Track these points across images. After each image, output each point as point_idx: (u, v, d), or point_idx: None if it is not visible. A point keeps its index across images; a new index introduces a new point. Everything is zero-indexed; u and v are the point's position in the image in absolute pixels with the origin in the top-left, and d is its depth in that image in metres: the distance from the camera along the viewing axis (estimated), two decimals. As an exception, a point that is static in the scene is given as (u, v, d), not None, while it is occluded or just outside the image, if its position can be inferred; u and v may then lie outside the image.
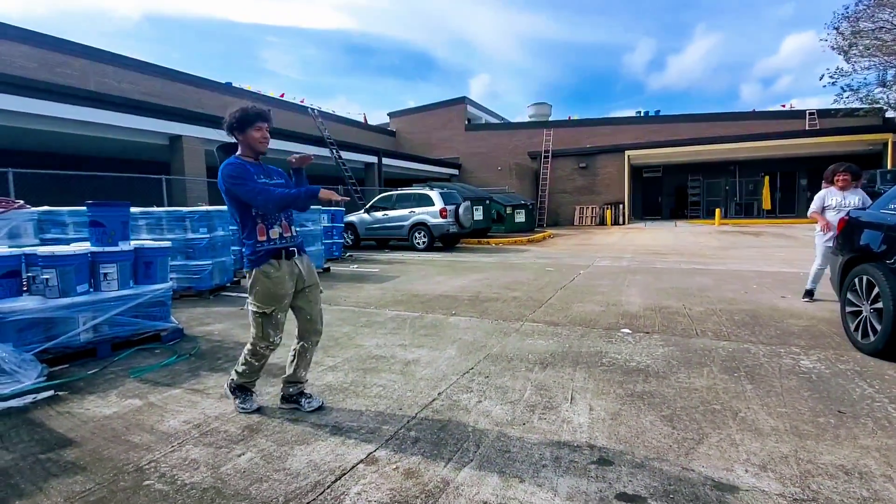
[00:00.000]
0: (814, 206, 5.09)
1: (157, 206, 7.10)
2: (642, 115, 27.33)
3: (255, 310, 2.48)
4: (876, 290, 3.34)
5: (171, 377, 3.22)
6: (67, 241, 5.23)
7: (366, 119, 28.66)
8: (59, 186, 9.55)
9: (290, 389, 2.66)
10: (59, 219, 5.88)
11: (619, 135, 23.97)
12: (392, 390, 2.88)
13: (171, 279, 5.37)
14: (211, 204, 9.74)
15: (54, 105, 10.21)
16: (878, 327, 3.28)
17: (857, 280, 3.61)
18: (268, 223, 2.45)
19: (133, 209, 5.86)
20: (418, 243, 11.84)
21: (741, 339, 3.83)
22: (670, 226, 19.72)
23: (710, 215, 21.97)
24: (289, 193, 2.38)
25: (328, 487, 1.89)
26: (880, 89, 18.37)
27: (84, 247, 3.92)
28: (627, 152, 22.00)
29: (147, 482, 1.96)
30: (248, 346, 2.56)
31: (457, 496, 1.82)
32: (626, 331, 4.13)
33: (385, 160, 20.42)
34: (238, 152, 2.51)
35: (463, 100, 28.35)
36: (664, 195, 26.10)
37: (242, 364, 2.59)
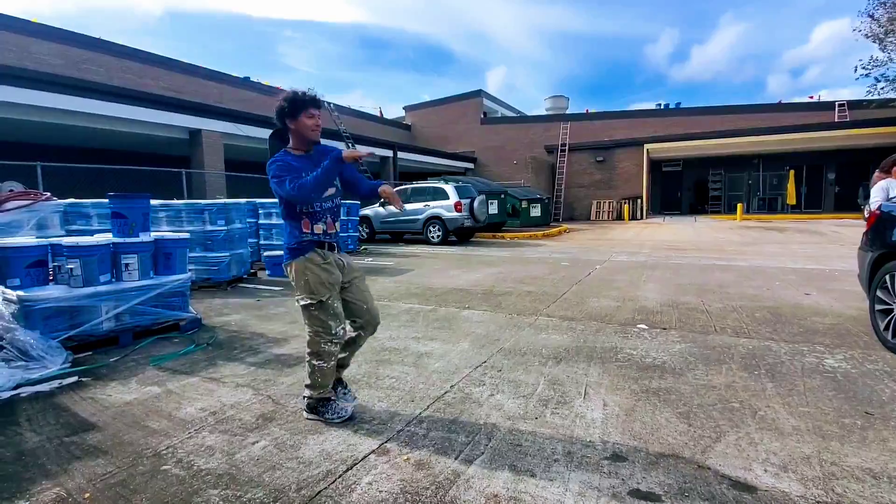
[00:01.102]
0: (877, 197, 4.32)
1: (178, 198, 7.23)
2: (662, 107, 26.76)
3: (307, 303, 2.27)
4: (907, 287, 3.21)
5: (190, 366, 3.28)
6: (91, 233, 5.37)
7: (381, 113, 28.70)
8: (86, 179, 9.79)
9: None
10: (83, 211, 6.03)
11: (637, 128, 23.52)
12: (404, 382, 2.89)
13: (190, 270, 5.47)
14: (229, 197, 9.89)
15: (80, 100, 10.45)
16: (909, 326, 3.16)
17: (888, 277, 3.47)
18: (313, 219, 2.31)
19: (153, 202, 5.98)
20: (433, 237, 11.84)
21: (762, 336, 3.73)
22: (690, 221, 19.33)
23: (732, 210, 21.45)
24: (317, 174, 2.18)
25: (339, 477, 1.90)
26: (919, 79, 17.62)
27: (107, 238, 4.01)
28: (646, 146, 21.58)
29: (165, 467, 2.00)
30: (309, 351, 2.32)
31: (467, 489, 1.81)
32: (643, 326, 4.06)
33: (400, 154, 20.43)
34: (290, 144, 2.36)
35: (479, 93, 28.16)
36: (684, 189, 25.56)
37: (311, 375, 2.35)
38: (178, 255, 4.34)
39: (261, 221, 8.15)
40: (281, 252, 7.61)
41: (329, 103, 20.00)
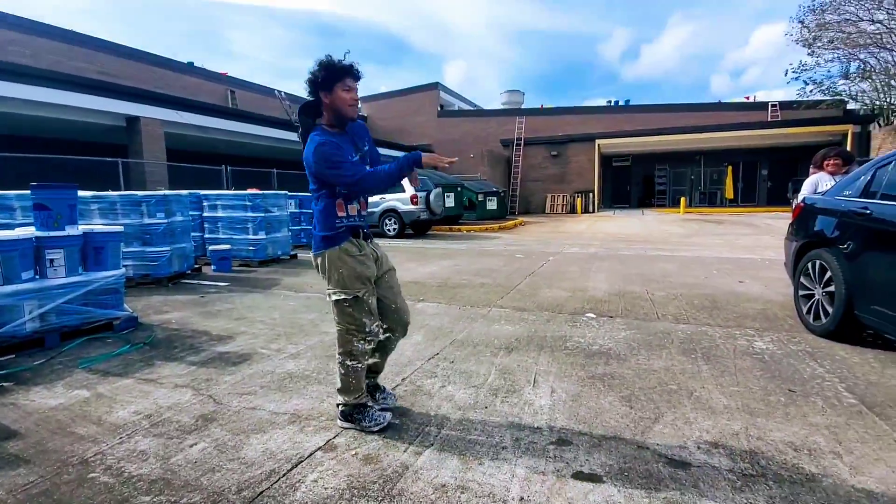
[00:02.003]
0: (806, 191, 4.69)
1: (115, 190, 6.75)
2: (613, 104, 27.71)
3: (341, 297, 2.07)
4: (828, 274, 3.47)
5: (124, 367, 3.08)
6: (16, 227, 4.93)
7: (337, 103, 28.02)
8: (12, 170, 8.98)
9: (366, 381, 2.33)
10: (6, 203, 5.52)
11: (590, 123, 24.25)
12: (355, 377, 2.84)
13: (127, 266, 5.14)
14: (172, 188, 9.37)
15: (5, 84, 9.56)
16: (830, 310, 3.42)
17: (810, 265, 3.75)
18: (348, 200, 2.10)
19: (85, 193, 5.58)
20: (388, 230, 11.73)
21: (699, 321, 3.94)
22: (638, 214, 20.17)
23: (676, 204, 22.57)
24: (389, 170, 2.02)
25: (283, 476, 1.84)
26: (843, 82, 19.06)
27: (29, 231, 3.69)
28: (598, 141, 22.29)
29: (92, 475, 1.87)
30: (341, 351, 2.14)
31: (416, 480, 1.80)
32: (591, 315, 4.19)
33: (356, 146, 20.06)
34: (322, 119, 2.11)
35: (436, 85, 28.07)
36: (633, 184, 26.65)
37: (343, 378, 2.16)
38: (111, 250, 4.05)
39: (205, 214, 7.77)
40: (228, 246, 7.24)
41: (280, 91, 19.32)
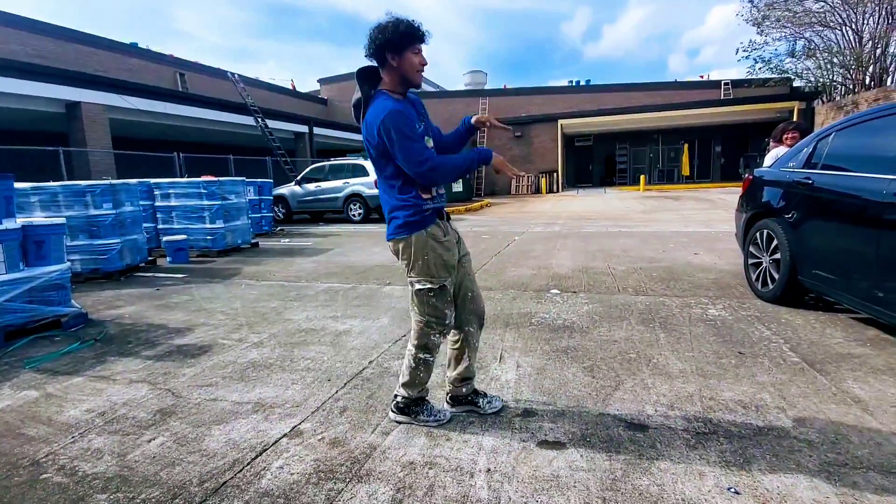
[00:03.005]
0: (767, 164, 4.71)
1: (58, 181, 6.33)
2: (575, 84, 27.96)
3: (425, 287, 1.90)
4: (774, 242, 3.65)
5: (74, 365, 2.93)
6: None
7: (294, 86, 27.10)
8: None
9: (463, 389, 2.13)
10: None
11: (552, 104, 24.43)
12: (321, 362, 2.80)
13: (73, 260, 4.88)
14: (120, 178, 8.88)
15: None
16: (776, 276, 3.62)
17: (758, 234, 3.93)
18: None
19: (23, 185, 5.21)
20: (354, 215, 11.55)
21: (657, 293, 4.09)
22: (600, 192, 20.62)
23: (636, 182, 23.17)
24: (459, 166, 1.87)
25: (248, 465, 1.80)
26: (790, 60, 19.87)
27: (-43, 226, 3.42)
28: (560, 121, 22.51)
29: (45, 475, 1.78)
30: (416, 343, 1.99)
31: (384, 460, 1.80)
32: (555, 291, 4.28)
33: (317, 130, 19.52)
34: (383, 85, 1.89)
35: (397, 67, 27.52)
36: (595, 163, 27.15)
37: (412, 371, 2.01)
38: (53, 244, 3.82)
39: (158, 204, 7.42)
40: (183, 236, 6.96)
41: (233, 73, 18.50)
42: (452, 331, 2.07)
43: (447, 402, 2.19)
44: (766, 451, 1.79)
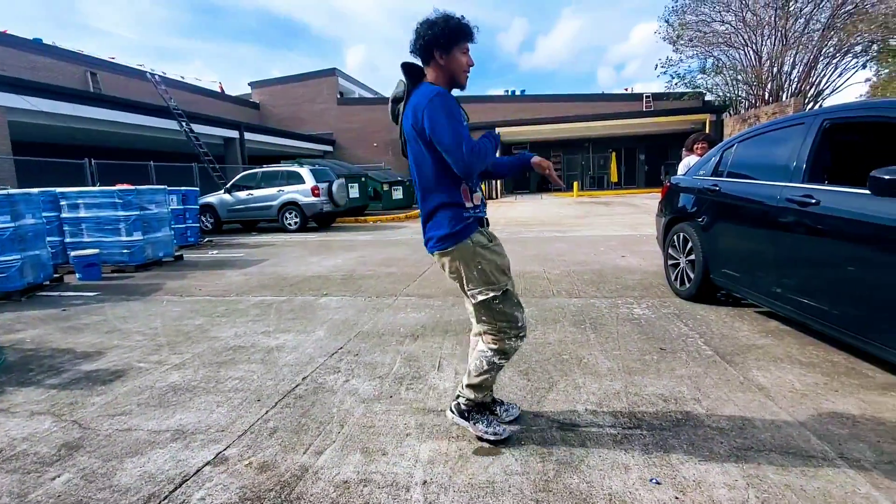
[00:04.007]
0: (680, 173, 5.16)
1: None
2: (510, 94, 28.85)
3: (490, 296, 1.81)
4: (690, 244, 3.95)
5: (-43, 401, 2.58)
6: None
7: (222, 88, 25.82)
8: None
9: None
10: None
11: (490, 112, 25.03)
12: (250, 382, 2.66)
13: (-41, 280, 4.32)
14: (21, 187, 8.00)
15: None
16: (692, 276, 3.90)
17: (675, 237, 4.23)
18: (471, 185, 1.85)
19: None
20: (289, 224, 11.14)
21: (588, 295, 4.28)
22: (537, 199, 21.36)
23: (570, 188, 24.26)
24: (510, 163, 1.87)
25: (165, 498, 1.66)
26: (701, 76, 21.75)
27: None
28: (498, 129, 23.11)
29: (-88, 536, 1.54)
30: (491, 348, 1.87)
31: (316, 481, 1.73)
32: (494, 296, 4.35)
33: (248, 135, 18.70)
34: (427, 82, 1.81)
35: (333, 71, 27.04)
36: (531, 170, 28.06)
37: (482, 374, 1.90)
38: (-68, 263, 3.35)
39: (65, 215, 6.74)
40: (94, 251, 6.39)
41: (153, 73, 17.31)
42: (471, 335, 2.04)
43: (456, 413, 2.12)
44: (684, 441, 1.91)
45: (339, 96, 27.08)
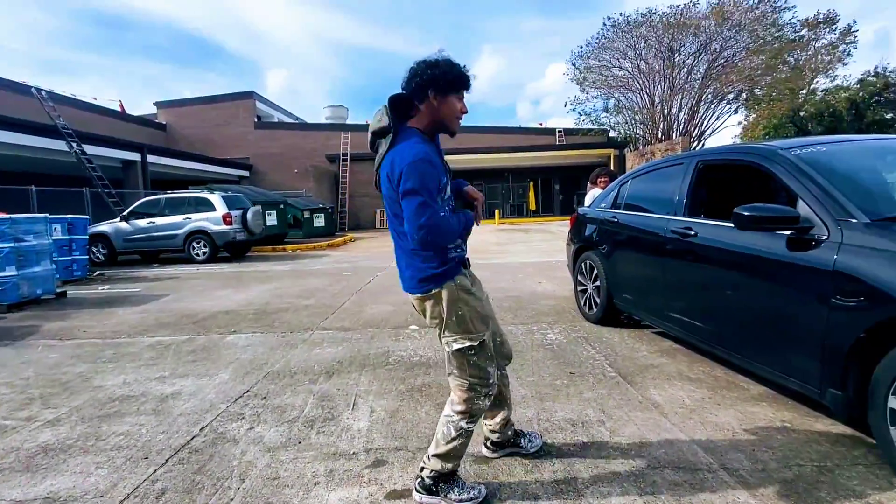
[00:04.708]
0: (587, 204, 5.43)
1: None
2: (433, 124, 29.59)
3: (465, 346, 1.69)
4: (595, 271, 4.23)
5: None
6: None
7: (123, 108, 23.83)
8: None
9: (509, 432, 2.05)
10: None
11: (413, 142, 25.40)
12: (138, 437, 2.38)
13: None
14: None
15: None
16: (598, 301, 4.17)
17: (583, 264, 4.51)
18: None
19: None
20: (198, 254, 10.36)
21: (507, 321, 4.40)
22: (460, 225, 21.81)
23: (492, 216, 25.15)
24: (459, 224, 1.72)
25: (15, 590, 1.41)
26: (605, 114, 24.01)
27: None
28: (421, 158, 23.47)
29: None
30: (459, 409, 1.72)
31: (208, 547, 1.57)
32: (414, 327, 4.33)
33: (152, 158, 17.29)
34: (414, 122, 1.73)
35: (251, 94, 26.09)
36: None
37: (451, 441, 1.72)
38: None
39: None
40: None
41: (39, 89, 15.58)
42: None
43: (486, 448, 2.09)
44: (589, 465, 1.99)
45: (256, 120, 26.12)
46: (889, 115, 24.26)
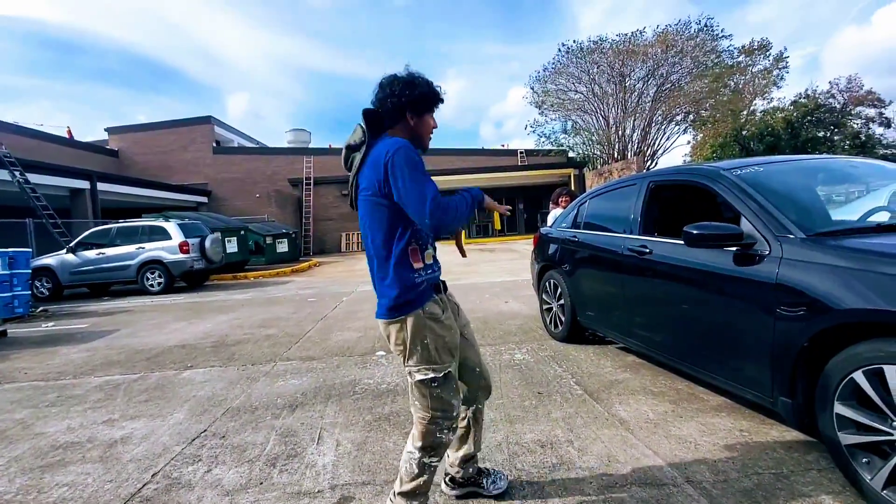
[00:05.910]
0: (549, 223, 5.49)
1: None
2: (396, 147, 29.78)
3: (428, 377, 1.62)
4: (560, 289, 4.30)
5: None
6: None
7: (71, 134, 22.85)
8: None
9: (469, 469, 1.96)
10: None
11: (377, 164, 25.44)
12: (83, 487, 2.21)
13: None
14: None
15: None
16: (563, 319, 4.23)
17: (547, 283, 4.58)
18: (421, 244, 1.69)
19: None
20: (152, 285, 9.89)
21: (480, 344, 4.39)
22: (427, 247, 21.85)
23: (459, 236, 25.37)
24: (463, 208, 1.63)
25: None
26: (563, 136, 24.84)
27: None
28: (386, 181, 23.50)
29: None
30: (421, 446, 1.65)
31: None
32: (381, 353, 4.26)
33: (103, 185, 16.55)
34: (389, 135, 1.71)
35: (209, 119, 25.55)
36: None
37: (416, 479, 1.65)
38: None
39: None
40: None
41: (-23, 118, 14.72)
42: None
43: (445, 484, 1.99)
44: (559, 487, 1.99)
45: (215, 145, 25.55)
46: (821, 133, 26.31)
